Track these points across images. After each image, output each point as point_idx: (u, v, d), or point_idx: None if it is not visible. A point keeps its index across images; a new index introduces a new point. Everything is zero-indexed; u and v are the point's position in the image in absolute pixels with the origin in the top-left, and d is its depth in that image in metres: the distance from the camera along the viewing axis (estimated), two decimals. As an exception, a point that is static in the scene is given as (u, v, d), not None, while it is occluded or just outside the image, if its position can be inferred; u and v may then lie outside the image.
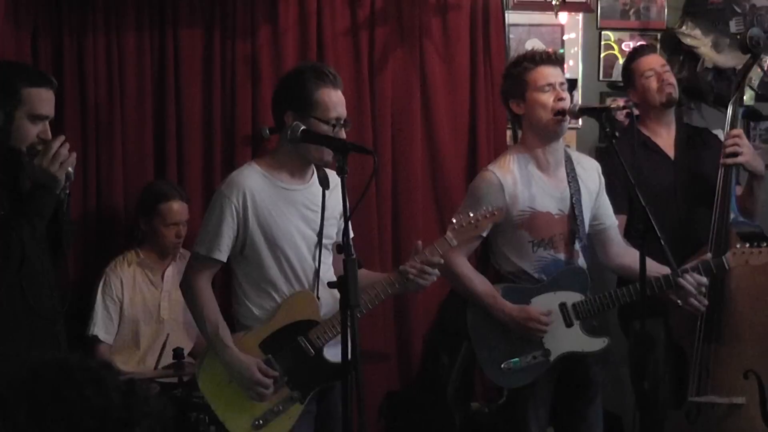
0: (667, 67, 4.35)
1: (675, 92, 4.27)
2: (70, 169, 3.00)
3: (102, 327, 4.19)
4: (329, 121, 3.30)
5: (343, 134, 3.34)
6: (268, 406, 3.36)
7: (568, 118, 3.68)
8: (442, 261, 3.37)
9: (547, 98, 3.63)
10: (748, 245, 3.78)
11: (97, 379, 1.52)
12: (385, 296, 3.43)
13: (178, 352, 3.82)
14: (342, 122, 3.34)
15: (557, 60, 3.74)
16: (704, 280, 3.70)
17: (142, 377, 3.83)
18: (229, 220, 3.32)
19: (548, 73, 3.64)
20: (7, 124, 2.98)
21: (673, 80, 4.29)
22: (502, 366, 3.65)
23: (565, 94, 3.66)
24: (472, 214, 3.42)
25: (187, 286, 3.42)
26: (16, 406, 1.48)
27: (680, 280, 3.65)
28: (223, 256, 3.34)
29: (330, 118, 3.30)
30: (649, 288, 3.52)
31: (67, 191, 3.06)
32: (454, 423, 4.41)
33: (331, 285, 3.00)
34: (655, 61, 4.34)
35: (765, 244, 3.80)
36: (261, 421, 3.35)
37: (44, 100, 3.05)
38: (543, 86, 3.63)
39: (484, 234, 3.68)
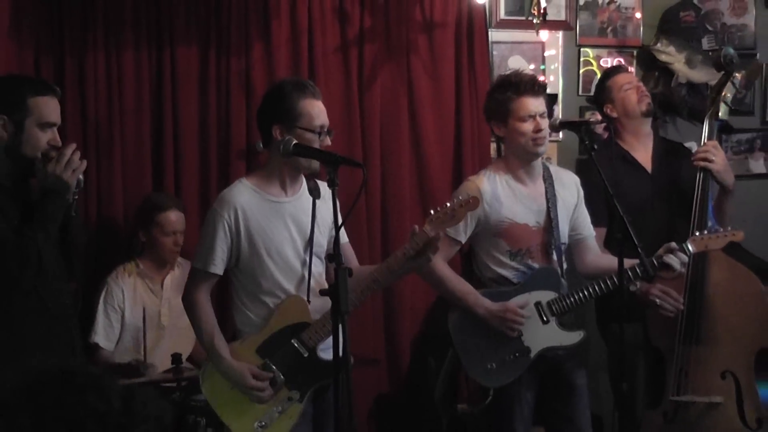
0: (641, 82, 4.48)
1: (652, 102, 4.39)
2: (80, 176, 3.09)
3: (103, 335, 4.25)
4: (314, 130, 3.42)
5: (328, 141, 3.46)
6: (268, 407, 3.47)
7: (546, 141, 3.81)
8: (439, 236, 3.45)
9: (527, 127, 3.77)
10: (706, 232, 3.93)
11: (98, 385, 1.54)
12: (385, 283, 3.53)
13: (176, 357, 3.89)
14: (326, 130, 3.45)
15: (539, 90, 3.83)
16: (683, 256, 3.80)
17: (141, 381, 3.88)
18: (222, 235, 3.42)
19: (530, 104, 3.77)
20: (18, 134, 3.07)
21: (648, 93, 4.41)
22: (487, 367, 3.76)
23: (544, 123, 3.79)
24: (448, 204, 3.50)
25: (187, 299, 3.53)
26: (18, 411, 1.49)
27: (666, 257, 3.76)
28: (218, 269, 3.46)
29: (315, 126, 3.42)
30: (627, 276, 3.64)
31: (76, 196, 3.14)
32: (441, 425, 4.48)
33: (322, 293, 3.10)
34: (630, 77, 4.47)
35: (721, 230, 3.94)
36: (264, 422, 3.45)
37: (51, 107, 3.14)
38: (524, 116, 3.77)
39: (463, 239, 3.81)
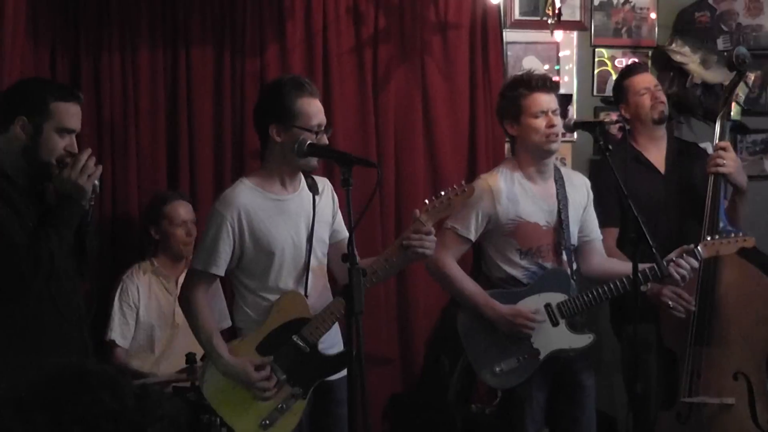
0: (659, 86, 4.45)
1: (666, 109, 4.37)
2: (96, 181, 3.09)
3: (119, 332, 4.28)
4: (312, 129, 3.37)
5: (325, 140, 3.42)
6: (272, 405, 3.43)
7: (559, 139, 3.81)
8: (433, 230, 3.43)
9: (540, 123, 3.76)
10: (717, 237, 3.92)
11: (113, 384, 1.52)
12: (384, 275, 3.47)
13: (190, 357, 3.91)
14: (323, 128, 3.42)
15: (551, 86, 3.84)
16: (693, 262, 3.80)
17: (156, 381, 3.95)
18: (225, 236, 3.40)
19: (542, 101, 3.77)
20: (36, 137, 3.07)
21: (664, 98, 4.38)
22: (496, 369, 3.76)
23: (557, 120, 3.79)
24: (443, 193, 3.48)
25: (184, 299, 3.51)
26: (33, 410, 1.49)
27: (671, 267, 3.75)
28: (220, 270, 3.44)
29: (312, 125, 3.37)
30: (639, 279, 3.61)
31: (92, 203, 3.14)
32: (456, 424, 4.49)
33: (337, 294, 3.10)
34: (649, 80, 4.43)
35: (732, 234, 3.93)
36: (267, 421, 3.42)
37: (72, 114, 3.13)
38: (536, 112, 3.77)
39: (473, 238, 3.81)
